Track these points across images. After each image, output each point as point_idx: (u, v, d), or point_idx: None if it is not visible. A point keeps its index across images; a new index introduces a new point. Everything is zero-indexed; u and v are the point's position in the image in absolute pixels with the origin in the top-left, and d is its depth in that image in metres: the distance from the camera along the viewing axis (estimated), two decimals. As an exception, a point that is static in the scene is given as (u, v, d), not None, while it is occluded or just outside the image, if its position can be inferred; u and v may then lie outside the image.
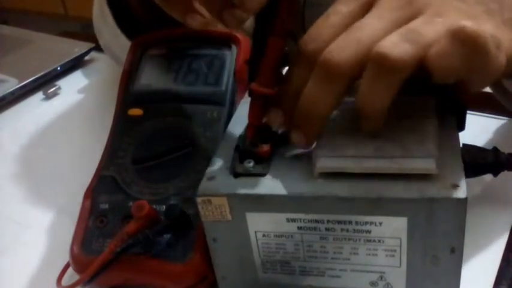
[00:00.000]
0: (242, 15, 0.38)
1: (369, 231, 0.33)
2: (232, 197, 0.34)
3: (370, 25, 0.32)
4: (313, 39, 0.33)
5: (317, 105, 0.33)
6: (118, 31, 0.56)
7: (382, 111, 0.32)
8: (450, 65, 0.30)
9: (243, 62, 0.47)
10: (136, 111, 0.46)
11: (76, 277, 0.39)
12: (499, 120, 0.54)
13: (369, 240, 0.34)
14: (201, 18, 0.41)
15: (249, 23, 0.80)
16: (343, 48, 0.31)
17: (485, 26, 0.31)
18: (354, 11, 0.33)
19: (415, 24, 0.31)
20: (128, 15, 0.56)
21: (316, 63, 0.32)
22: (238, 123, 0.40)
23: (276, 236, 0.35)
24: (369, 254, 0.34)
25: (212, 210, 0.35)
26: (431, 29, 0.31)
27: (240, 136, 0.38)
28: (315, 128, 0.34)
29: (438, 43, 0.30)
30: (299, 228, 0.34)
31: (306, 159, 0.35)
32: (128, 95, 0.48)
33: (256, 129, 0.37)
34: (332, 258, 0.35)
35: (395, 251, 0.33)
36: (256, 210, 0.34)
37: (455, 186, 0.31)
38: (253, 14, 0.36)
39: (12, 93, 0.68)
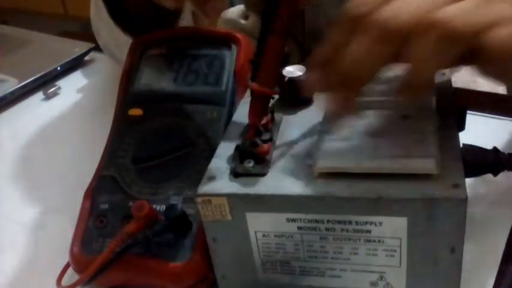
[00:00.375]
0: (221, 7, 0.38)
1: (369, 231, 0.33)
2: (232, 197, 0.34)
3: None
4: (365, 2, 0.31)
5: (363, 67, 0.31)
6: (113, 25, 0.56)
7: (429, 80, 0.30)
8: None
9: (247, 61, 0.47)
10: (136, 111, 0.46)
11: (76, 277, 0.39)
12: (499, 120, 0.54)
13: (369, 240, 0.34)
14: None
15: (251, 23, 0.80)
16: (400, 11, 0.30)
17: None
18: None
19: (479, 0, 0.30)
20: (122, 10, 0.56)
21: (368, 24, 0.30)
22: (238, 123, 0.40)
23: (276, 236, 0.35)
24: (369, 254, 0.34)
25: (212, 210, 0.35)
26: (496, 8, 0.29)
27: (240, 136, 0.38)
28: (357, 91, 0.32)
29: (504, 25, 0.29)
30: (299, 228, 0.34)
31: (306, 159, 0.35)
32: (127, 95, 0.48)
33: (256, 129, 0.37)
34: (332, 258, 0.35)
35: (395, 251, 0.33)
36: (256, 210, 0.34)
37: (455, 186, 0.31)
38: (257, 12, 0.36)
39: (12, 93, 0.68)
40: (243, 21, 0.82)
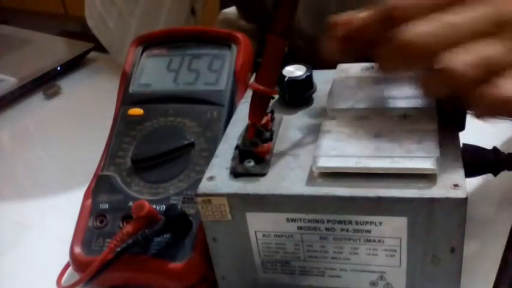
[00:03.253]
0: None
1: (369, 231, 0.33)
2: (232, 197, 0.34)
3: (460, 28, 0.32)
4: (404, 11, 0.33)
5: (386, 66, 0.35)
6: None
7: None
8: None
9: (247, 61, 0.47)
10: (136, 111, 0.46)
11: (76, 277, 0.39)
12: (499, 120, 0.54)
13: (369, 240, 0.34)
14: None
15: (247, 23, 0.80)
16: (428, 36, 0.32)
17: None
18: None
19: (493, 50, 0.32)
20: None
21: (397, 38, 0.33)
22: (238, 123, 0.40)
23: (276, 236, 0.35)
24: (369, 254, 0.34)
25: (212, 210, 0.35)
26: (507, 57, 0.32)
27: (240, 136, 0.38)
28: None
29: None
30: (299, 228, 0.34)
31: (306, 159, 0.35)
32: (127, 95, 0.48)
33: (256, 129, 0.37)
34: (332, 258, 0.35)
35: (395, 250, 0.33)
36: (256, 210, 0.34)
37: (455, 186, 0.31)
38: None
39: (12, 93, 0.68)
40: (241, 21, 0.82)
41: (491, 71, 0.32)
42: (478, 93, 0.32)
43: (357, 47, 0.36)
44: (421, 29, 0.32)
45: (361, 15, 0.36)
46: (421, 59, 0.33)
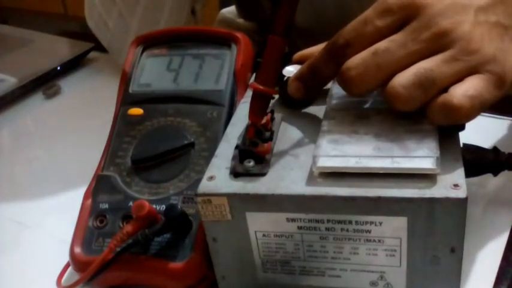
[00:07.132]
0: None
1: (369, 231, 0.33)
2: (232, 197, 0.34)
3: (393, 54, 0.34)
4: (347, 44, 0.36)
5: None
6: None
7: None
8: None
9: (247, 61, 0.47)
10: (136, 111, 0.46)
11: (76, 277, 0.39)
12: (499, 120, 0.54)
13: (369, 240, 0.34)
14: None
15: (247, 22, 0.80)
16: (364, 72, 0.34)
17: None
18: (388, 27, 0.35)
19: (434, 65, 0.33)
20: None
21: (340, 72, 0.35)
22: (238, 123, 0.40)
23: (276, 235, 0.35)
24: (369, 254, 0.34)
25: (212, 210, 0.35)
26: (449, 71, 0.33)
27: (240, 136, 0.38)
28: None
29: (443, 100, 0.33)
30: (299, 228, 0.34)
31: (306, 159, 0.35)
32: (127, 95, 0.48)
33: (256, 128, 0.37)
34: (332, 258, 0.35)
35: (395, 250, 0.33)
36: (256, 210, 0.34)
37: (456, 186, 0.31)
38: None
39: (12, 93, 0.68)
40: (239, 21, 0.83)
41: (434, 84, 0.33)
42: (430, 106, 0.33)
43: (315, 83, 0.39)
44: (355, 62, 0.34)
45: (313, 50, 0.40)
46: (366, 88, 0.35)
